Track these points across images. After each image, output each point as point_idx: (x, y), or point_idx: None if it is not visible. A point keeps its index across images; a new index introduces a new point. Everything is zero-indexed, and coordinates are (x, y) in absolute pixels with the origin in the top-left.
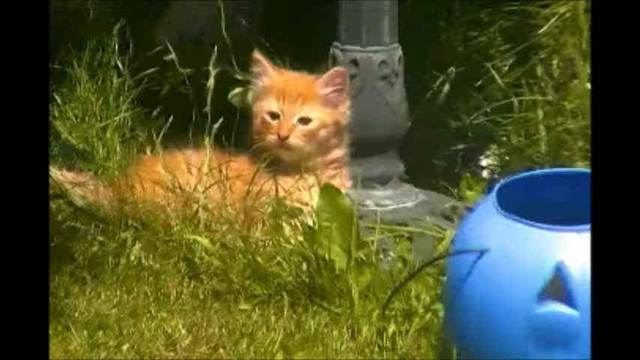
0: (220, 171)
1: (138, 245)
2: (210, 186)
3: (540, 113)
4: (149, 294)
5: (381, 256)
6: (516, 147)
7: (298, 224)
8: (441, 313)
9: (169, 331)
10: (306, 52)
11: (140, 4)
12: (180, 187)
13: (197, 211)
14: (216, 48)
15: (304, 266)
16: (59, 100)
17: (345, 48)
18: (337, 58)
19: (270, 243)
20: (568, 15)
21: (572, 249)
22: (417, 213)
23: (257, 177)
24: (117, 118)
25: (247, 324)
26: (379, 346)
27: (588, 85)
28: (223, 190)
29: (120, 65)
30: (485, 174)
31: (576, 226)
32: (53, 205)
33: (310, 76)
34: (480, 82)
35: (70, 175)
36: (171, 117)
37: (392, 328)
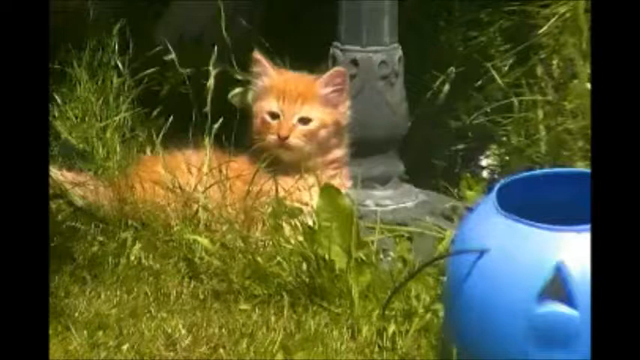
0: (220, 171)
1: (138, 245)
2: (210, 186)
3: (540, 113)
4: (149, 294)
5: (381, 256)
6: (516, 147)
7: (298, 224)
8: (441, 313)
9: (169, 331)
10: (306, 52)
11: (140, 4)
12: (180, 187)
13: (197, 211)
14: (216, 48)
15: (304, 266)
16: (59, 100)
17: (345, 48)
18: (337, 58)
19: (270, 243)
20: (568, 15)
21: (572, 249)
22: (417, 213)
23: (257, 177)
24: (117, 118)
25: (247, 324)
26: (379, 346)
27: (588, 85)
28: (223, 190)
29: (120, 65)
30: (485, 174)
31: (576, 226)
32: (53, 205)
33: (310, 76)
34: (480, 82)
35: (70, 175)
36: (171, 117)
37: (392, 328)
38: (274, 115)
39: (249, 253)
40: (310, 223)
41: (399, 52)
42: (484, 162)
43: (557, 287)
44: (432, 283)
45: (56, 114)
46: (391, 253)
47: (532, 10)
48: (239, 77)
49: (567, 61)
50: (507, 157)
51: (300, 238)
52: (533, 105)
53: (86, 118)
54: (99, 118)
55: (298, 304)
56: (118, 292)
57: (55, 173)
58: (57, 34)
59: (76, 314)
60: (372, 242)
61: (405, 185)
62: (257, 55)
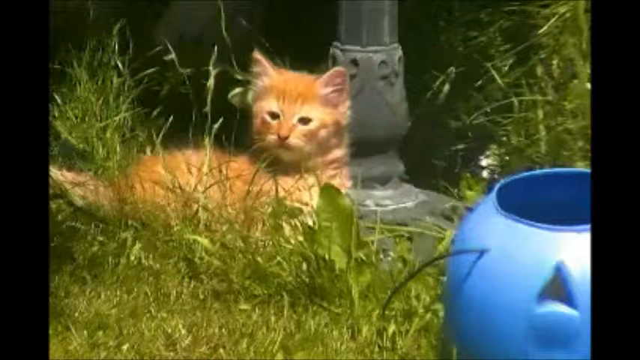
0: (220, 171)
1: (138, 245)
2: (210, 186)
3: (540, 113)
4: (149, 294)
5: (381, 256)
6: (516, 147)
7: (298, 224)
8: (441, 313)
9: (169, 331)
10: (306, 52)
11: (140, 4)
12: (180, 187)
13: (197, 211)
14: (216, 48)
15: (304, 266)
16: (59, 100)
17: (345, 48)
18: (337, 58)
19: (270, 243)
20: (568, 15)
21: (572, 249)
22: (417, 213)
23: (257, 177)
24: (117, 118)
25: (247, 324)
26: (379, 346)
27: (588, 85)
28: (223, 190)
29: (120, 65)
30: (485, 174)
31: (576, 226)
32: (53, 205)
33: (310, 76)
34: (480, 82)
35: (70, 175)
36: (172, 117)
37: (392, 328)
38: (274, 115)
39: (249, 253)
40: (310, 223)
41: (399, 52)
42: (484, 162)
43: (557, 287)
44: (432, 283)
45: (56, 114)
46: (391, 253)
47: (532, 10)
48: (239, 77)
49: (567, 61)
50: (507, 157)
51: (300, 238)
52: (533, 105)
53: (86, 118)
54: (99, 118)
55: (298, 304)
56: (118, 292)
57: (55, 173)
58: (57, 34)
59: (76, 314)
60: (372, 242)
61: (405, 185)
62: (257, 55)
